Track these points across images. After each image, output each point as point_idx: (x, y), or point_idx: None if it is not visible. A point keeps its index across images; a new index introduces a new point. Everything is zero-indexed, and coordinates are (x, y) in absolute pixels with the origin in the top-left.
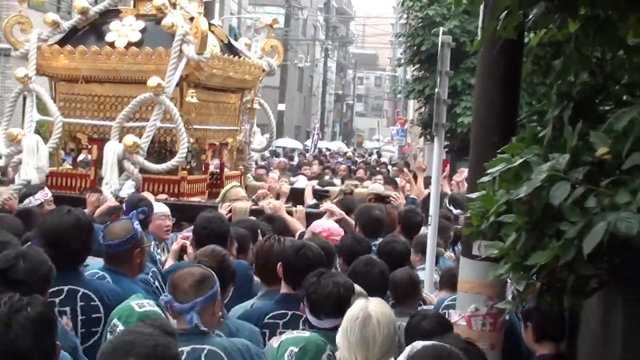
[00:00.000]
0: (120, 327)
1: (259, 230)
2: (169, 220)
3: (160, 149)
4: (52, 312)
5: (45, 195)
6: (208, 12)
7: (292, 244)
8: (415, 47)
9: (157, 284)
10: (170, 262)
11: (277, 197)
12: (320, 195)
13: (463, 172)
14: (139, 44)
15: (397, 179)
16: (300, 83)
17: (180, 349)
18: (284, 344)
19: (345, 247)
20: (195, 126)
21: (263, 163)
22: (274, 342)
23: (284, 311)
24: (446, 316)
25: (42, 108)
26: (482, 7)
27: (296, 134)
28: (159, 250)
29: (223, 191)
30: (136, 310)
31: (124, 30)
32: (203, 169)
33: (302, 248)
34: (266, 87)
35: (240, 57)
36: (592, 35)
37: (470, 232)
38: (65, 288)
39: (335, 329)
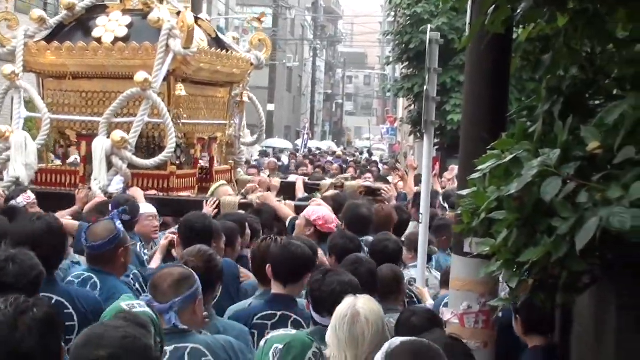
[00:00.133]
0: None
1: (246, 224)
2: (156, 221)
3: (149, 144)
4: (58, 313)
5: (27, 198)
6: (196, 8)
7: (279, 244)
8: (404, 45)
9: (137, 286)
10: (158, 257)
11: (268, 191)
12: (311, 189)
13: (454, 170)
14: (125, 39)
15: (390, 178)
16: (289, 83)
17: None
18: (270, 341)
19: (337, 245)
20: (183, 121)
21: (255, 163)
22: (262, 341)
23: (273, 312)
24: (440, 314)
25: (30, 105)
26: (469, 3)
27: (286, 134)
28: (145, 251)
29: (211, 189)
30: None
31: (110, 26)
32: (192, 164)
33: (288, 246)
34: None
35: (228, 51)
36: (581, 29)
37: (461, 230)
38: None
39: None
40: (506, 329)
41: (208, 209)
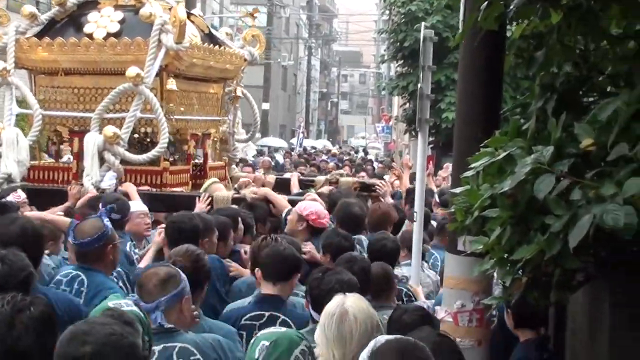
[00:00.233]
0: None
1: (239, 218)
2: (148, 218)
3: (142, 140)
4: (55, 311)
5: (17, 197)
6: (190, 6)
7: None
8: (398, 43)
9: (120, 284)
10: (150, 254)
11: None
12: (305, 185)
13: (448, 168)
14: (117, 35)
15: (386, 177)
16: (284, 82)
17: (152, 348)
18: (258, 339)
19: (332, 244)
20: (176, 116)
21: (251, 162)
22: (253, 339)
23: (261, 312)
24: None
25: (22, 102)
26: (462, 0)
27: (281, 132)
28: (136, 250)
29: (204, 187)
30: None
31: (102, 22)
32: (186, 160)
33: (275, 246)
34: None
35: (221, 46)
36: (574, 25)
37: (454, 228)
38: None
39: None
40: (504, 325)
41: (201, 205)
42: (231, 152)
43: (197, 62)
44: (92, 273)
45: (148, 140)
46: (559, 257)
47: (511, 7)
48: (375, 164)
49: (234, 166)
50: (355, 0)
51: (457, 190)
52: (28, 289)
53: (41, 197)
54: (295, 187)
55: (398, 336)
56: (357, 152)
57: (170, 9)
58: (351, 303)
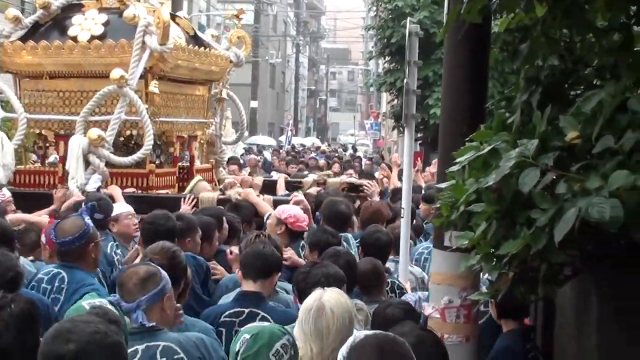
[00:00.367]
0: None
1: (223, 218)
2: (135, 219)
3: (128, 143)
4: (36, 309)
5: (2, 196)
6: (176, 9)
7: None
8: (385, 40)
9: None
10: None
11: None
12: (293, 186)
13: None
14: (102, 37)
15: (376, 173)
16: (273, 79)
17: (135, 348)
18: (241, 332)
19: (320, 241)
20: (162, 119)
21: (242, 161)
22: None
23: (240, 309)
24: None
25: (9, 105)
26: None
27: (270, 130)
28: (118, 251)
29: (190, 186)
30: (87, 310)
31: (86, 24)
32: (172, 162)
33: (255, 245)
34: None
35: (206, 48)
36: (559, 18)
37: (440, 223)
38: None
39: None
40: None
41: (186, 207)
42: (218, 155)
43: (182, 64)
44: (73, 271)
45: (133, 142)
46: (544, 252)
47: None
48: (364, 161)
49: (221, 168)
50: None
51: (443, 185)
52: (16, 288)
53: (27, 201)
54: (281, 189)
55: (377, 331)
56: (346, 149)
57: (154, 11)
58: (328, 297)
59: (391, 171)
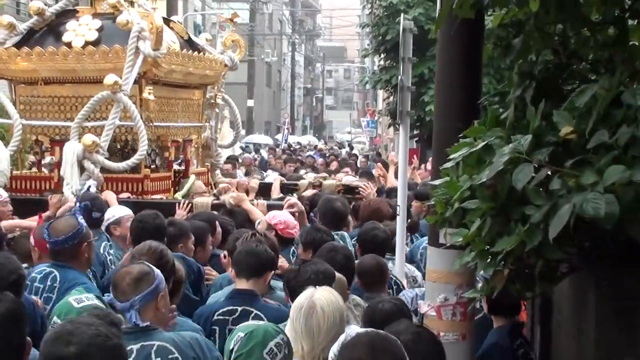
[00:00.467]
0: None
1: (216, 223)
2: None
3: (123, 148)
4: (22, 308)
5: None
6: (171, 9)
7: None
8: (380, 37)
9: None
10: None
11: (247, 192)
12: (289, 189)
13: None
14: (96, 43)
15: (374, 171)
16: (269, 78)
17: (129, 347)
18: (235, 331)
19: (315, 240)
20: (156, 123)
21: (239, 160)
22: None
23: (234, 307)
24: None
25: (3, 111)
26: None
27: (266, 129)
28: (111, 251)
29: (187, 186)
30: (74, 307)
31: (80, 30)
32: (167, 167)
33: (249, 243)
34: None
35: (201, 52)
36: (553, 12)
37: (435, 220)
38: None
39: None
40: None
41: (181, 212)
42: (214, 158)
43: (176, 69)
44: (66, 270)
45: (129, 147)
46: (540, 248)
47: None
48: (360, 158)
49: (217, 171)
50: None
51: (437, 182)
52: (19, 291)
53: (23, 207)
54: (275, 192)
55: (369, 329)
56: (342, 147)
57: (148, 16)
58: (319, 296)
59: (387, 169)
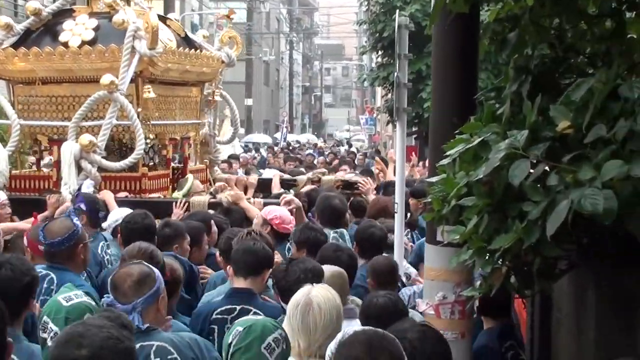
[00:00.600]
0: (51, 325)
1: (212, 222)
2: None
3: (121, 147)
4: (3, 310)
5: None
6: (168, 9)
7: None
8: (377, 34)
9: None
10: None
11: (245, 189)
12: (288, 185)
13: None
14: (92, 43)
15: (373, 168)
16: (267, 77)
17: None
18: (234, 325)
19: (309, 239)
20: (153, 122)
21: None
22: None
23: (232, 306)
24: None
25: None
26: None
27: (265, 128)
28: (108, 250)
29: (187, 187)
30: (63, 305)
31: (77, 30)
32: (165, 165)
33: (246, 241)
34: (232, 83)
35: (198, 50)
36: (549, 5)
37: (431, 218)
38: None
39: None
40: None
41: (178, 211)
42: (213, 154)
43: (173, 67)
44: (62, 272)
45: (126, 146)
46: (538, 245)
47: None
48: (358, 156)
49: (216, 168)
50: None
51: (434, 179)
52: (32, 293)
53: (22, 206)
54: (276, 187)
55: (367, 327)
56: (341, 145)
57: (144, 15)
58: (316, 293)
59: (387, 166)
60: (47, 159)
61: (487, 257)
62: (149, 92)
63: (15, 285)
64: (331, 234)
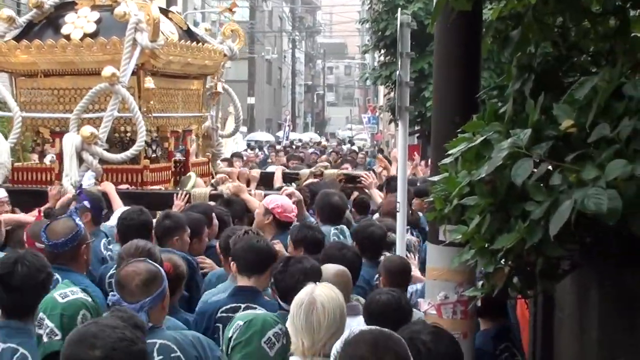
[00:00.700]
0: (47, 321)
1: (213, 214)
2: None
3: (122, 139)
4: None
5: None
6: (170, 2)
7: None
8: (380, 33)
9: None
10: None
11: (248, 182)
12: (291, 179)
13: None
14: (94, 35)
15: (375, 167)
16: (269, 75)
17: None
18: (235, 319)
19: (307, 237)
20: (155, 114)
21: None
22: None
23: (237, 304)
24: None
25: (4, 105)
26: None
27: (267, 126)
28: (110, 247)
29: (189, 185)
30: (59, 302)
31: (79, 22)
32: (167, 157)
33: (250, 239)
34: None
35: (200, 43)
36: (552, 3)
37: (434, 217)
38: None
39: None
40: None
41: (179, 202)
42: (215, 148)
43: (174, 60)
44: (67, 273)
45: (128, 138)
46: (540, 245)
47: None
48: (360, 154)
49: (218, 161)
50: None
51: (436, 178)
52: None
53: (23, 198)
54: (278, 181)
55: (373, 327)
56: (343, 143)
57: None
58: (320, 292)
59: (390, 165)
60: (49, 156)
61: (489, 257)
62: (150, 82)
63: (31, 282)
64: (332, 230)
